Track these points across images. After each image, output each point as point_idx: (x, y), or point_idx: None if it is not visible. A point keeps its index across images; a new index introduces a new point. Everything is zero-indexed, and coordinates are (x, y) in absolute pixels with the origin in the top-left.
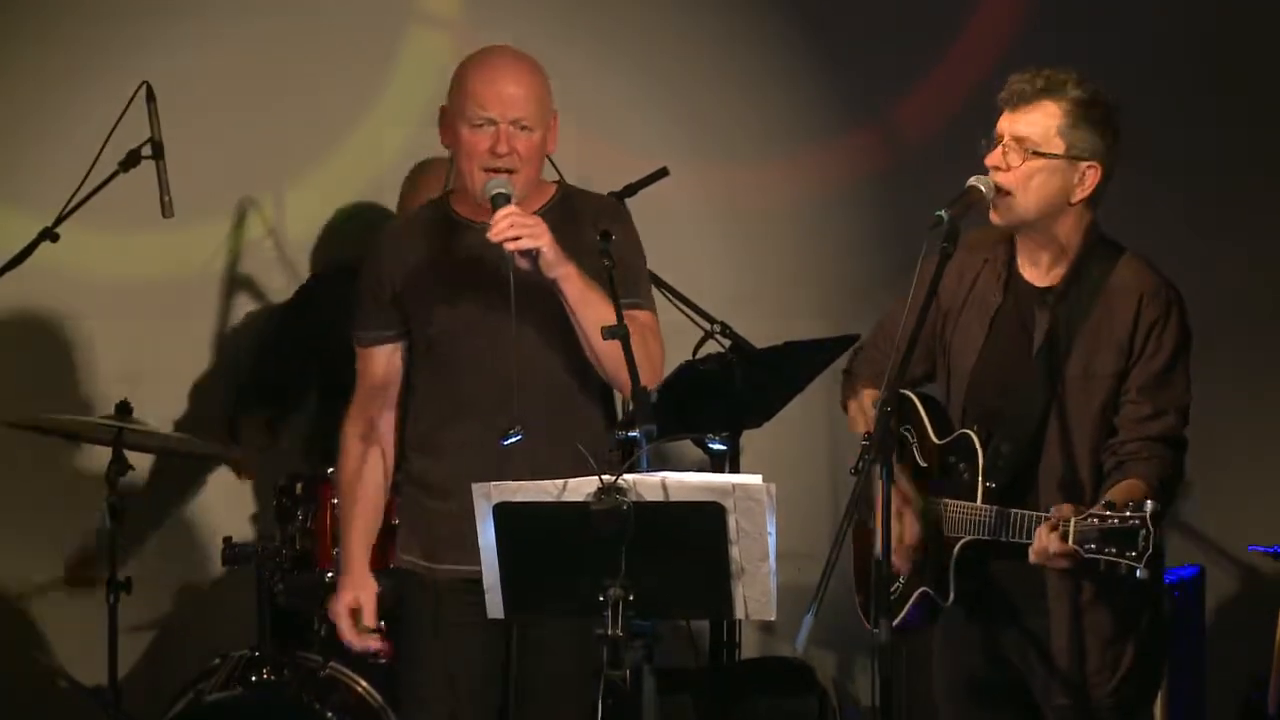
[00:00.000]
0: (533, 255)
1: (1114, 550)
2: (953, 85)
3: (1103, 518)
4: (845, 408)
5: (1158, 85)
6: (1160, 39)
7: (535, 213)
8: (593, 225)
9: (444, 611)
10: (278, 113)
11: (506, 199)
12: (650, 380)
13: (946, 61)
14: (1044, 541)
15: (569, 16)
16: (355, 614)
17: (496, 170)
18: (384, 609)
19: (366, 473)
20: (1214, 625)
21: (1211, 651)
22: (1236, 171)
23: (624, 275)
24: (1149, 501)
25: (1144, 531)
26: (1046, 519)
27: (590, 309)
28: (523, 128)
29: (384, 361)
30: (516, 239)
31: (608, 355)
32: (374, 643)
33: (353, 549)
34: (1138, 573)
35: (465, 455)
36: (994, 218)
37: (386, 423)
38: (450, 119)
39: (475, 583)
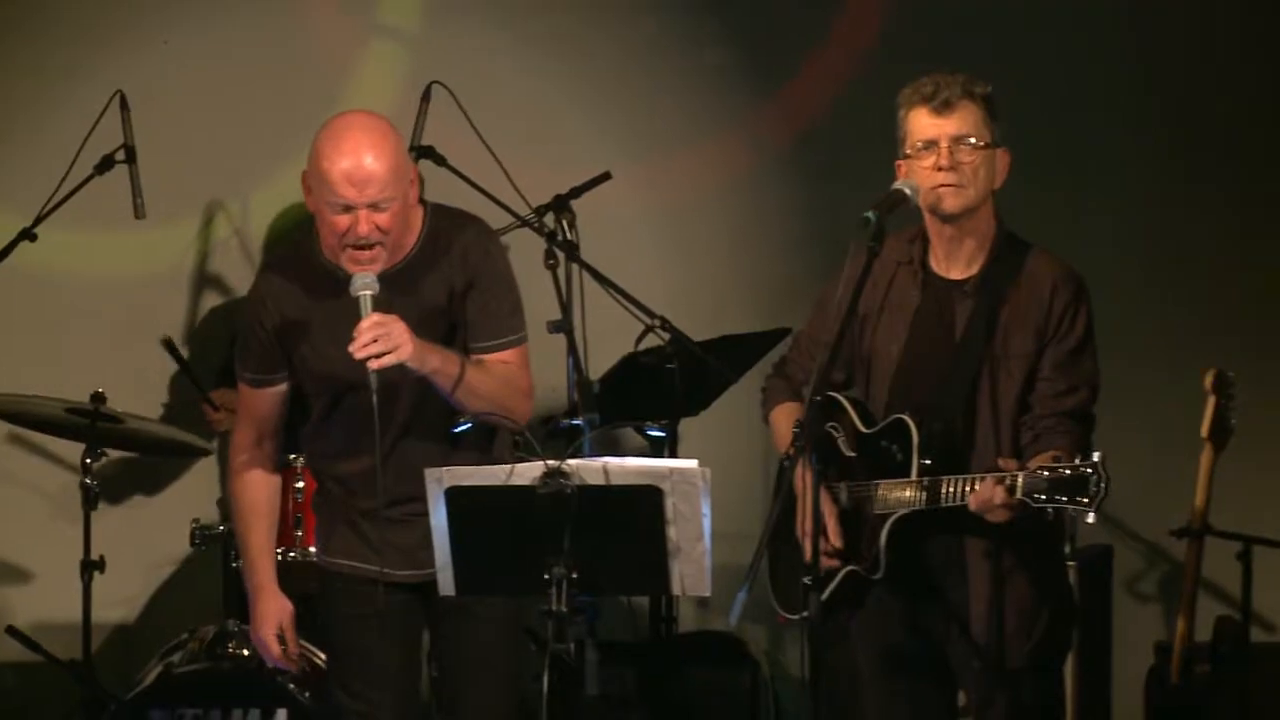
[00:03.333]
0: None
1: (1064, 498)
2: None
3: (1053, 469)
4: (767, 418)
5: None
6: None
7: (401, 261)
8: (463, 257)
9: (358, 604)
10: (244, 120)
11: (371, 301)
12: (522, 413)
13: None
14: (989, 493)
15: (519, 30)
16: (280, 634)
17: (361, 252)
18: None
19: (259, 500)
20: (1122, 600)
21: (1120, 624)
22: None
23: (493, 321)
24: (1096, 454)
25: (1095, 477)
26: (989, 476)
27: (458, 389)
28: (382, 207)
29: (267, 400)
30: (379, 356)
31: (480, 412)
32: (294, 664)
33: (262, 575)
34: (1089, 517)
35: (361, 489)
36: (948, 209)
37: (274, 445)
38: (310, 186)
39: (395, 584)
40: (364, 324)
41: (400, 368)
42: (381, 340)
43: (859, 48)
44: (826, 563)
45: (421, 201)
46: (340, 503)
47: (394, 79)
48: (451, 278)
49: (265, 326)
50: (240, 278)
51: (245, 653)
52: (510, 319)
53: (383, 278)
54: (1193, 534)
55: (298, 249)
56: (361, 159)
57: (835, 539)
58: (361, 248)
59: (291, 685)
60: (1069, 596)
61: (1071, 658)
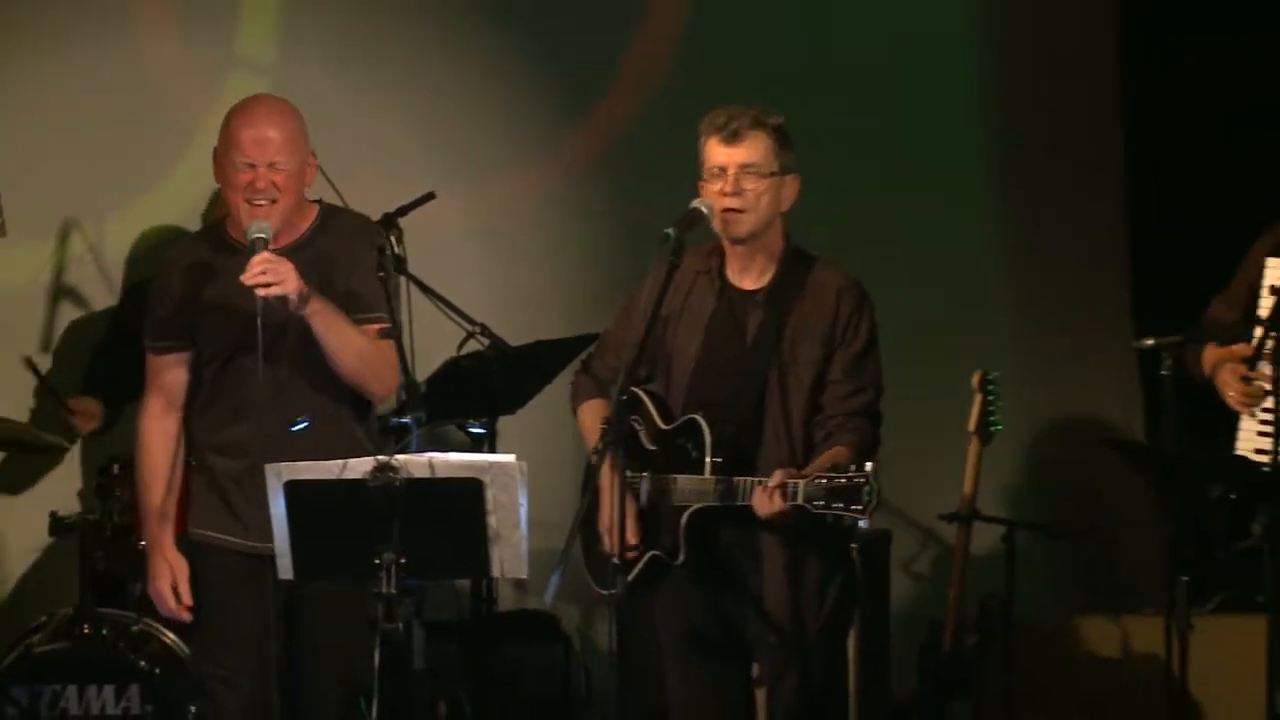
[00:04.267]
0: (281, 296)
1: (840, 505)
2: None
3: (830, 478)
4: (575, 412)
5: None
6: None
7: (296, 240)
8: (354, 241)
9: (228, 575)
10: (105, 145)
11: (265, 243)
12: (388, 385)
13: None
14: (769, 505)
15: (360, 63)
16: (174, 588)
17: (259, 204)
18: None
19: (160, 465)
20: (899, 579)
21: (896, 601)
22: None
23: (374, 297)
24: (868, 464)
25: (868, 487)
26: (765, 483)
27: (334, 335)
28: (279, 168)
29: (173, 369)
30: (267, 285)
31: (352, 370)
32: (187, 614)
33: (158, 534)
34: (861, 523)
35: (240, 454)
36: (732, 233)
37: (176, 420)
38: (219, 159)
39: (257, 556)
40: (256, 258)
41: (285, 306)
42: (270, 273)
43: (651, 81)
44: (629, 556)
45: (318, 202)
46: (215, 474)
47: None
48: (339, 257)
49: (172, 294)
50: (96, 294)
51: (104, 632)
52: (389, 303)
53: (283, 250)
54: (961, 519)
55: (206, 229)
56: (265, 125)
57: (633, 536)
58: (260, 204)
59: (143, 663)
60: (853, 577)
61: (854, 632)
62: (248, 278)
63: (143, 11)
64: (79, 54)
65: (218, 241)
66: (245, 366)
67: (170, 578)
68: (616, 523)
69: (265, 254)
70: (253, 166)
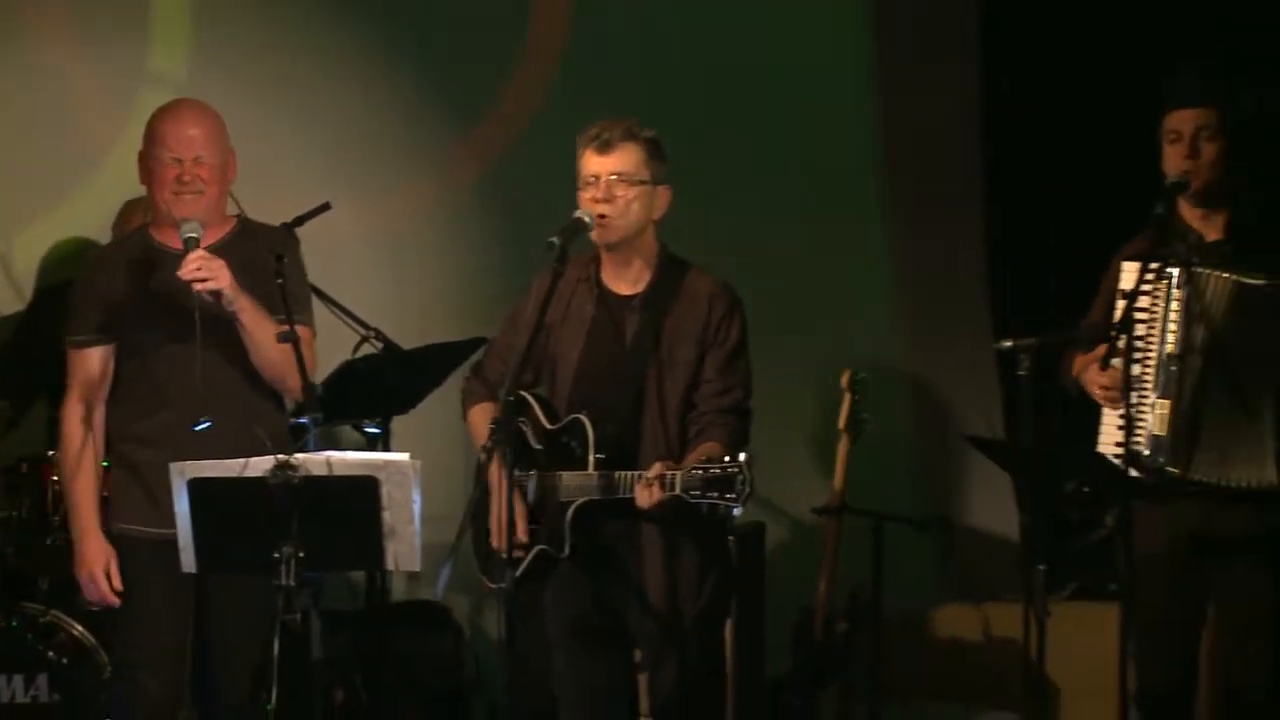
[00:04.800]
0: (215, 292)
1: (716, 494)
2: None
3: (706, 469)
4: (466, 414)
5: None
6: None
7: (217, 243)
8: (268, 252)
9: (148, 567)
10: (19, 156)
11: (196, 242)
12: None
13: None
14: (649, 495)
15: (263, 79)
16: (107, 572)
17: (185, 194)
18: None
19: (86, 456)
20: (774, 569)
21: (771, 590)
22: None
23: (292, 299)
24: (742, 455)
25: (742, 477)
26: (650, 477)
27: (259, 331)
28: (203, 162)
29: (94, 362)
30: (203, 280)
31: (272, 365)
32: (116, 599)
33: (87, 522)
34: (736, 511)
35: (163, 441)
36: (604, 238)
37: (98, 414)
38: (145, 160)
39: (171, 544)
40: (192, 255)
41: (218, 301)
42: (205, 269)
43: (535, 98)
44: (517, 554)
45: (237, 216)
46: (134, 466)
47: None
48: (258, 265)
49: (98, 290)
50: (4, 301)
51: (14, 624)
52: (301, 303)
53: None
54: (832, 512)
55: (130, 236)
56: (189, 123)
57: (522, 535)
58: (187, 195)
59: (51, 653)
60: (730, 567)
61: (731, 619)
62: (184, 273)
63: (55, 31)
64: (9, 64)
65: (144, 245)
66: (172, 358)
67: (103, 563)
68: (505, 520)
69: (200, 251)
70: (179, 161)
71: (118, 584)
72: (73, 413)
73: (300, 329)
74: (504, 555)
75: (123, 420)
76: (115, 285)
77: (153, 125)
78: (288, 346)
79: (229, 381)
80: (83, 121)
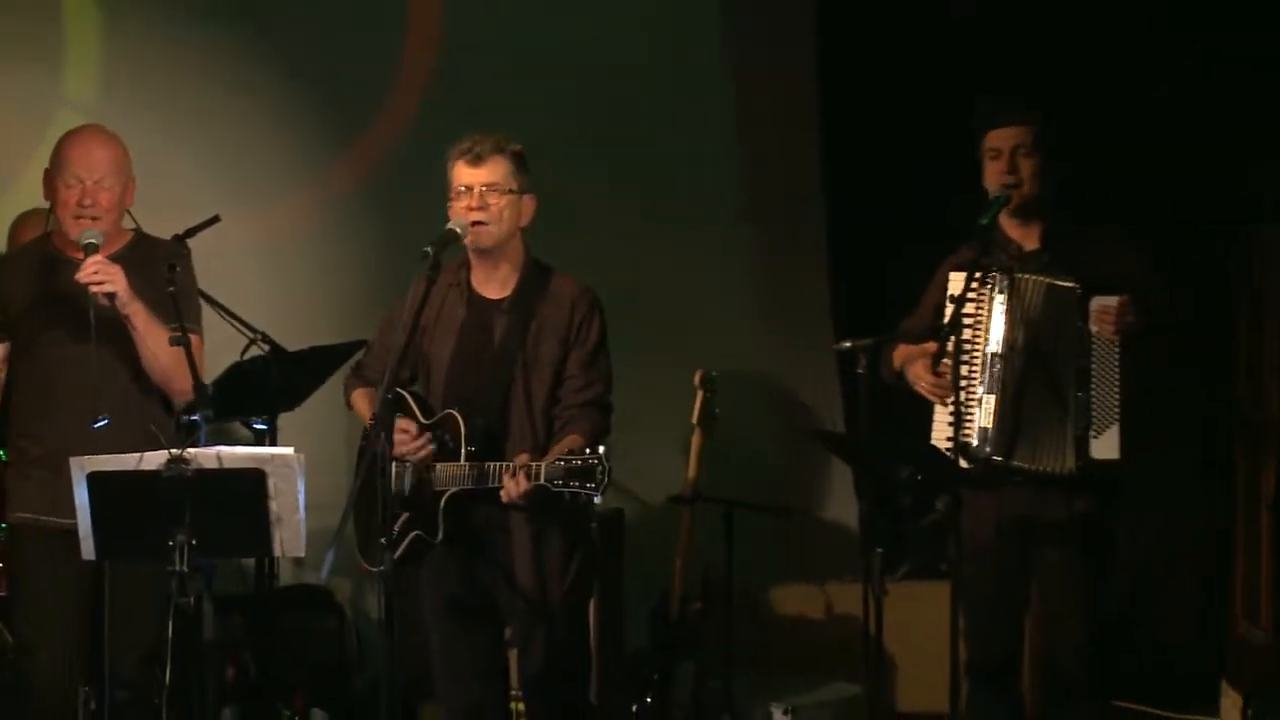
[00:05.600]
0: (110, 295)
1: (577, 484)
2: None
3: (568, 460)
4: (349, 403)
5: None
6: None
7: (114, 253)
8: (163, 263)
9: (47, 554)
10: None
11: (95, 248)
12: (188, 387)
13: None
14: (514, 487)
15: (161, 103)
16: None
17: (84, 218)
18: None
19: None
20: (632, 552)
21: (630, 572)
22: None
23: (181, 309)
24: (600, 447)
25: (600, 468)
26: (516, 469)
27: (151, 335)
28: (104, 187)
29: None
30: (100, 284)
31: (161, 369)
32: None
33: None
34: (596, 499)
35: (59, 437)
36: (478, 244)
37: None
38: (50, 179)
39: (70, 533)
40: (90, 260)
41: (111, 304)
42: (102, 273)
43: (408, 115)
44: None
45: (133, 230)
46: (30, 459)
47: None
48: (150, 277)
49: None
50: None
51: None
52: (190, 312)
53: None
54: (686, 500)
55: (30, 243)
56: (92, 148)
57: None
58: (84, 219)
59: None
60: (593, 551)
61: (594, 599)
62: (82, 276)
63: None
64: None
65: (44, 252)
66: (66, 359)
67: None
68: (387, 497)
69: (98, 257)
70: (81, 183)
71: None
72: None
73: (191, 335)
74: (382, 540)
75: (18, 417)
76: (14, 288)
77: (60, 148)
78: (177, 351)
79: (120, 382)
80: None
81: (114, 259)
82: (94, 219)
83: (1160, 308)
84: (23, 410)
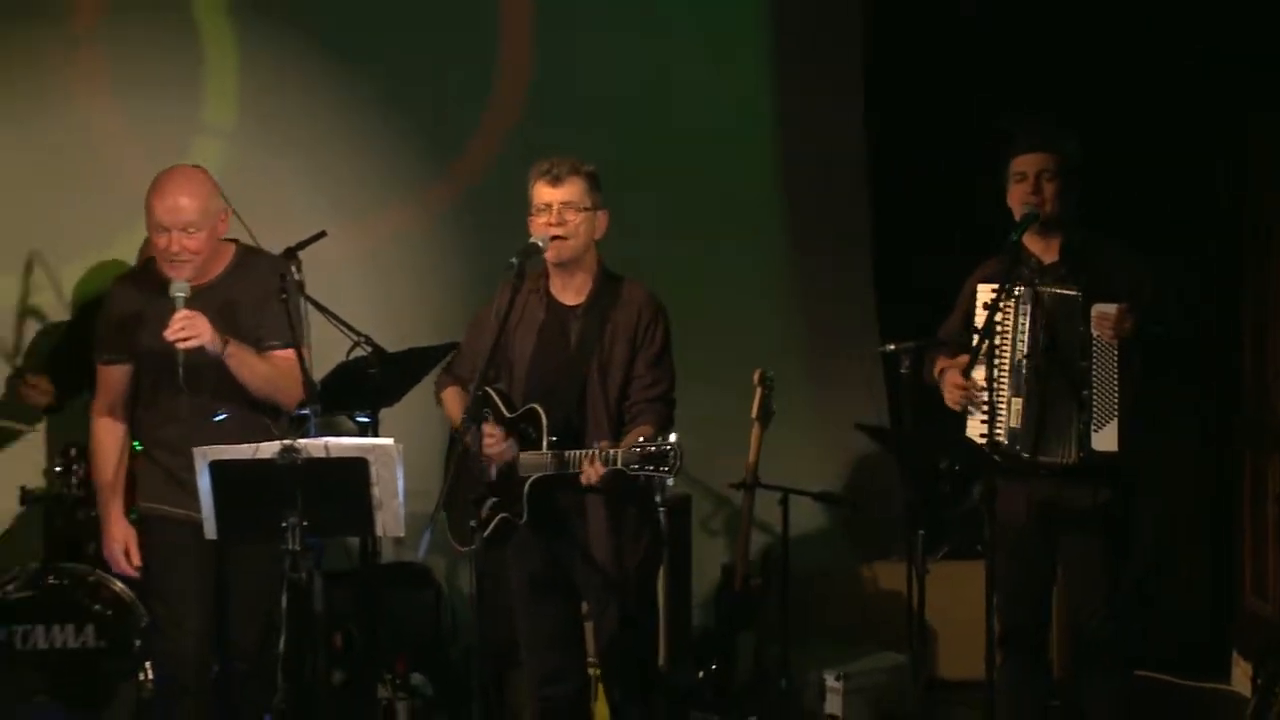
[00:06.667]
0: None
1: (652, 467)
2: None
3: (643, 447)
4: (439, 399)
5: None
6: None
7: (216, 276)
8: (264, 277)
9: (171, 540)
10: (77, 199)
11: (183, 301)
12: (294, 396)
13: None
14: (594, 472)
15: (282, 126)
16: (126, 552)
17: (174, 263)
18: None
19: (111, 453)
20: (698, 535)
21: (696, 552)
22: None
23: (278, 327)
24: (672, 435)
25: (673, 453)
26: (595, 455)
27: (245, 370)
28: (189, 232)
29: (117, 377)
30: (186, 339)
31: (261, 392)
32: (135, 572)
33: (112, 508)
34: (669, 481)
35: (178, 446)
36: (558, 257)
37: (121, 415)
38: (147, 221)
39: (193, 524)
40: (176, 316)
41: (203, 350)
42: (187, 329)
43: (499, 140)
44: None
45: (234, 241)
46: (158, 460)
47: (214, 170)
48: (253, 293)
49: (116, 317)
50: (52, 311)
51: (65, 582)
52: (291, 328)
53: (201, 289)
54: (746, 487)
55: (145, 267)
56: (176, 197)
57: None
58: (175, 261)
59: (97, 606)
60: (659, 528)
61: (663, 576)
62: (170, 334)
63: (103, 91)
64: (69, 118)
65: (151, 279)
66: (171, 383)
67: (122, 544)
68: (484, 487)
69: (184, 311)
70: (167, 230)
71: (136, 560)
72: (99, 420)
73: (288, 351)
74: (472, 523)
75: (146, 424)
76: (126, 318)
77: (149, 193)
78: (273, 375)
79: (227, 404)
80: (131, 171)
81: (211, 286)
82: (182, 263)
83: (1158, 315)
84: (149, 419)
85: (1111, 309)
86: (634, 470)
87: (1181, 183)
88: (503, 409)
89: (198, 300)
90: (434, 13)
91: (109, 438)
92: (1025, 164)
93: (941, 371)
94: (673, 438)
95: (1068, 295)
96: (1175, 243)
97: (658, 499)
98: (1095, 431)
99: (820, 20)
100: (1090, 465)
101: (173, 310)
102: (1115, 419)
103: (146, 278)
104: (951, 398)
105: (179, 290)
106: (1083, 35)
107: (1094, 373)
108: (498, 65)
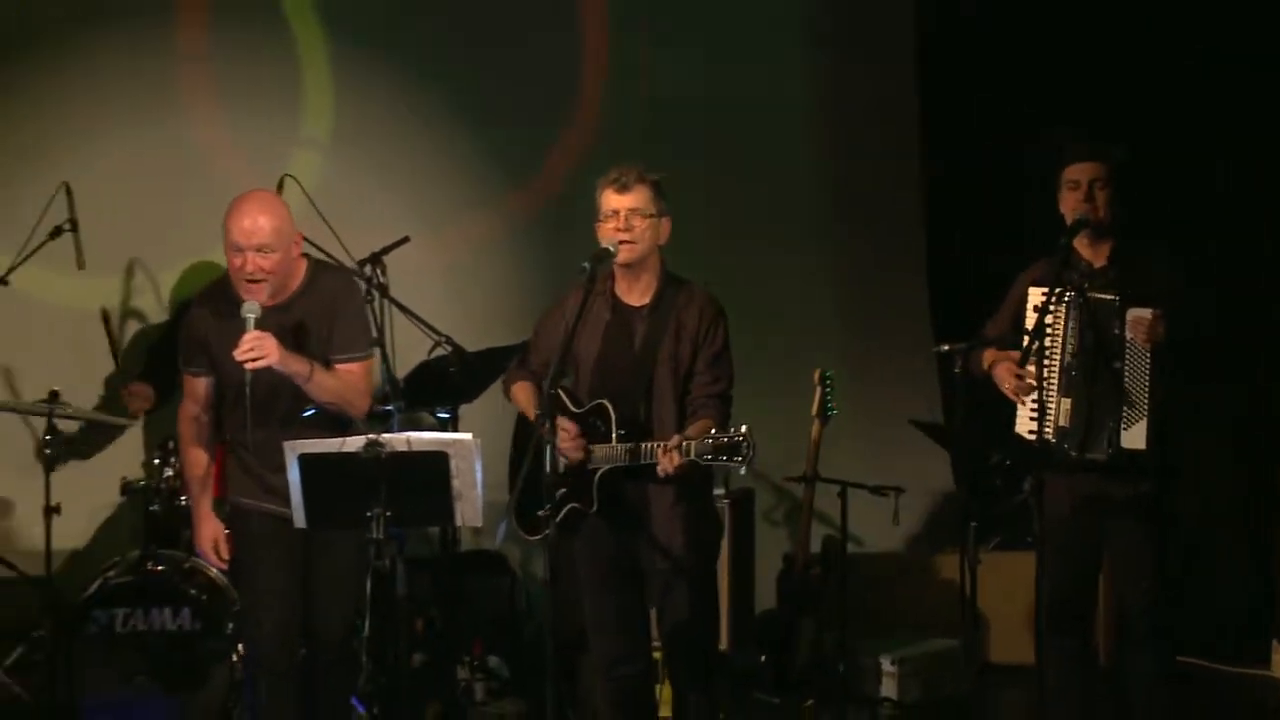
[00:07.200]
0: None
1: (725, 458)
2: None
3: (715, 438)
4: (508, 393)
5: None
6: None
7: (290, 295)
8: (335, 292)
9: (260, 532)
10: (179, 207)
11: (253, 323)
12: (361, 407)
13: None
14: (664, 461)
15: (373, 140)
16: (215, 547)
17: (251, 281)
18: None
19: (199, 453)
20: (761, 526)
21: (759, 542)
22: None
23: (345, 341)
24: (744, 426)
25: (745, 443)
26: (664, 445)
27: (313, 386)
28: (264, 254)
29: (201, 385)
30: (255, 360)
31: (329, 405)
32: (225, 565)
33: (201, 510)
34: (742, 470)
35: (267, 438)
36: (625, 260)
37: (207, 417)
38: (225, 241)
39: (282, 517)
40: (245, 337)
41: (270, 368)
42: (255, 349)
43: (576, 157)
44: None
45: (306, 256)
46: (244, 460)
47: (309, 180)
48: (322, 309)
49: (195, 334)
50: (152, 312)
51: (162, 568)
52: (357, 341)
53: (274, 308)
54: (807, 480)
55: (221, 284)
56: (252, 219)
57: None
58: (251, 281)
59: (193, 591)
60: (716, 518)
61: (728, 565)
62: (239, 354)
63: (209, 108)
64: (175, 130)
65: (227, 297)
66: (258, 379)
67: (211, 539)
68: (550, 477)
69: (254, 333)
70: (242, 251)
71: (225, 554)
72: (186, 425)
73: (356, 365)
74: (543, 513)
75: (231, 426)
76: (209, 327)
77: (226, 216)
78: (340, 388)
79: (301, 412)
80: (235, 182)
81: (283, 306)
82: (257, 283)
83: (1190, 321)
84: (233, 424)
85: (1146, 313)
86: (707, 460)
87: (1181, 183)
88: (569, 404)
89: (270, 320)
90: (518, 31)
91: (194, 438)
92: (1078, 172)
93: (992, 364)
94: (744, 428)
95: (1105, 300)
96: (1175, 242)
97: (720, 491)
98: (1125, 430)
99: (869, 49)
100: (1120, 462)
101: (244, 330)
102: (1145, 419)
103: (223, 296)
104: (1009, 386)
105: (250, 311)
106: (1114, 37)
107: (1126, 374)
108: (578, 82)
